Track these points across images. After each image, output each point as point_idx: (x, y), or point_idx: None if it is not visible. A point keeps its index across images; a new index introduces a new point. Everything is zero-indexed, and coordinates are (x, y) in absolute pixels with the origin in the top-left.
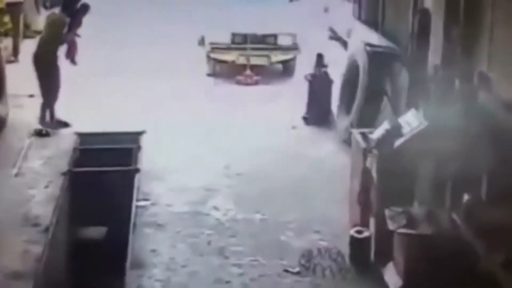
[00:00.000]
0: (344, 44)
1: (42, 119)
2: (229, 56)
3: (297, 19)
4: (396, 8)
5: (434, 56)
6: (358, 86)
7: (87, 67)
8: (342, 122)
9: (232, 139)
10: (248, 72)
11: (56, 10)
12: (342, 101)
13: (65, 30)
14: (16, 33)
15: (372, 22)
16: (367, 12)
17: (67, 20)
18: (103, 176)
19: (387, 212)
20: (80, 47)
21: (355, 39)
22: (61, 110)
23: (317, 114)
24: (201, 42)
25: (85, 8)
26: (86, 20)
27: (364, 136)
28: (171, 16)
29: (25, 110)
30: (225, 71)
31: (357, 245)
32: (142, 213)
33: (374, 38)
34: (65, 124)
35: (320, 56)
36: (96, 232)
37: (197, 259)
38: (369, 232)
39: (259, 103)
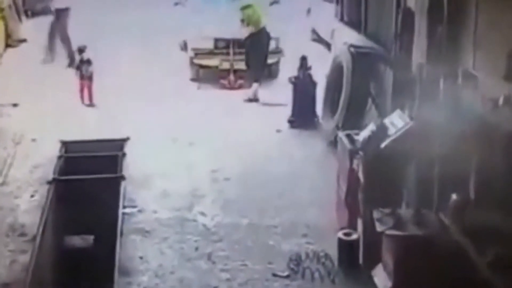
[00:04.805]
0: (327, 46)
1: None
2: (212, 61)
3: (279, 22)
4: (379, 9)
5: (418, 55)
6: (342, 87)
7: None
8: (327, 124)
9: (218, 144)
10: (231, 76)
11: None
12: (326, 103)
13: None
14: None
15: (355, 23)
16: (349, 13)
17: None
18: (88, 184)
19: (374, 213)
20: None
21: (338, 41)
22: (45, 117)
23: (302, 116)
24: (184, 47)
25: None
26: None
27: (350, 137)
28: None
29: (9, 119)
30: (209, 76)
31: (345, 248)
32: (129, 220)
33: (357, 39)
34: None
35: (304, 59)
36: (83, 240)
37: (185, 265)
38: (357, 234)
39: (243, 107)
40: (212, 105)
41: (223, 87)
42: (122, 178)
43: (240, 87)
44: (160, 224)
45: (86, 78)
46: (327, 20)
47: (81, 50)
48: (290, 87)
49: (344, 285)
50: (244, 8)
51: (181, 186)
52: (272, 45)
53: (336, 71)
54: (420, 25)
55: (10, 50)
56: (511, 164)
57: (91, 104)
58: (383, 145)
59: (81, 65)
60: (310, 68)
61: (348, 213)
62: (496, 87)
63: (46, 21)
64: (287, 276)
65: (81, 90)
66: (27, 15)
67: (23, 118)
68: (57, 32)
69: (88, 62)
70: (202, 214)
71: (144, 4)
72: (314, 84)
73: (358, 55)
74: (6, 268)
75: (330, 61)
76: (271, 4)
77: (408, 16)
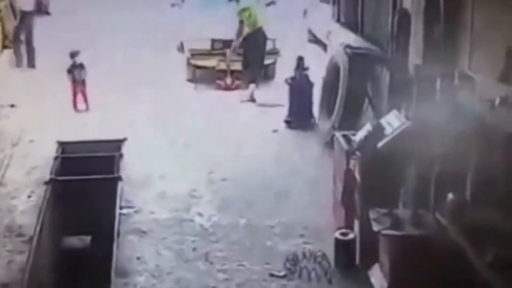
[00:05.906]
0: (324, 46)
1: None
2: (209, 62)
3: (275, 22)
4: (375, 9)
5: (414, 56)
6: (339, 88)
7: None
8: (324, 124)
9: (215, 145)
10: (228, 77)
11: None
12: (323, 103)
13: None
14: None
15: (352, 24)
16: (346, 14)
17: None
18: (85, 184)
19: (371, 213)
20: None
21: (334, 42)
22: (43, 118)
23: (299, 117)
24: (180, 48)
25: None
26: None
27: (347, 138)
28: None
29: (7, 120)
30: (206, 77)
31: (342, 248)
32: (126, 221)
33: (354, 40)
34: None
35: (300, 59)
36: (80, 241)
37: (182, 265)
38: (354, 234)
39: (240, 107)
40: (209, 106)
41: (220, 87)
42: (119, 178)
43: (237, 88)
44: (157, 224)
45: (78, 83)
46: (324, 21)
47: (73, 55)
48: (286, 88)
49: (340, 285)
50: (241, 11)
51: (178, 187)
52: (269, 45)
53: (333, 72)
54: (417, 25)
55: (7, 51)
56: (508, 164)
57: (87, 109)
58: (379, 145)
59: (74, 70)
60: (307, 68)
61: (344, 213)
62: (493, 88)
63: (42, 22)
64: (284, 276)
65: (74, 95)
66: None
67: (21, 119)
68: (21, 35)
69: (81, 66)
70: (200, 214)
71: (140, 5)
72: (310, 85)
73: (354, 56)
74: (4, 268)
75: (326, 62)
76: (268, 5)
77: (404, 17)
